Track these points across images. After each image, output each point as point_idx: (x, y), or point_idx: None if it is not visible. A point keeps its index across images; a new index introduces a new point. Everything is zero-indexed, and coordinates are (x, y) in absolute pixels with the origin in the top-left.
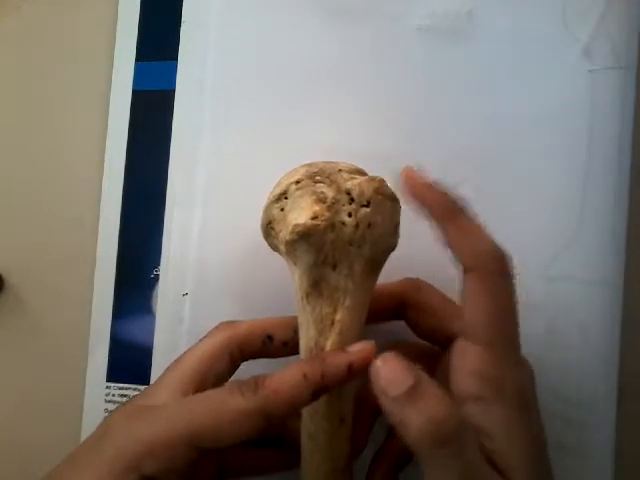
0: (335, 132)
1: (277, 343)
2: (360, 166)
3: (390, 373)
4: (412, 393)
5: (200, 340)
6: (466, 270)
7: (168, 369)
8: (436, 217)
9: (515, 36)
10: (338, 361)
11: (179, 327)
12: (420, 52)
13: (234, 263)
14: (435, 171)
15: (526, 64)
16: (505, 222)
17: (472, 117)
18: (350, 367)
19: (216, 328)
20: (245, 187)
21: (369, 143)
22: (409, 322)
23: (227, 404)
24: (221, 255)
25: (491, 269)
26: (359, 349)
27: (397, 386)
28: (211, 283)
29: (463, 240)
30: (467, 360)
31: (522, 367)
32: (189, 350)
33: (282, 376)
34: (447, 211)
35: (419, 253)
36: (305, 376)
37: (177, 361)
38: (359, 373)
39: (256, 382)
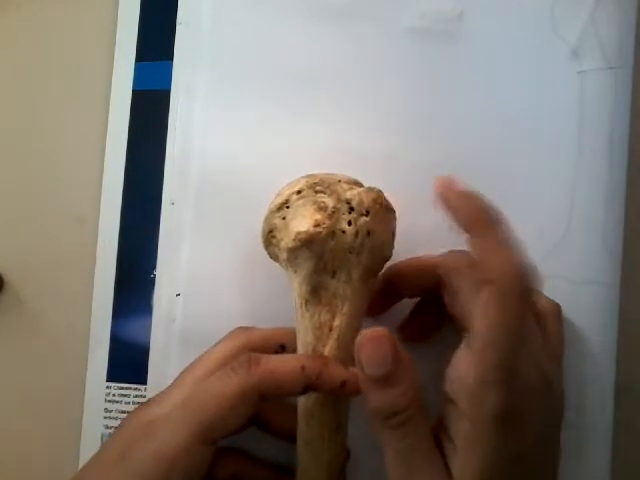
0: (328, 132)
1: (289, 352)
2: (352, 165)
3: (372, 351)
4: (384, 380)
5: (216, 344)
6: (485, 282)
7: (183, 372)
8: (467, 227)
9: (505, 38)
10: (336, 373)
11: (172, 327)
12: (411, 53)
13: (226, 264)
14: (424, 171)
15: (515, 66)
16: None
17: (461, 118)
18: (343, 385)
19: (231, 333)
20: (238, 188)
21: (362, 143)
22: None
23: (224, 390)
24: (213, 256)
25: (508, 289)
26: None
27: (374, 368)
28: (203, 284)
29: (488, 254)
30: (459, 365)
31: (513, 392)
32: (205, 353)
33: (281, 360)
34: (479, 222)
35: None
36: (303, 368)
37: (193, 364)
38: (350, 394)
39: (249, 360)
